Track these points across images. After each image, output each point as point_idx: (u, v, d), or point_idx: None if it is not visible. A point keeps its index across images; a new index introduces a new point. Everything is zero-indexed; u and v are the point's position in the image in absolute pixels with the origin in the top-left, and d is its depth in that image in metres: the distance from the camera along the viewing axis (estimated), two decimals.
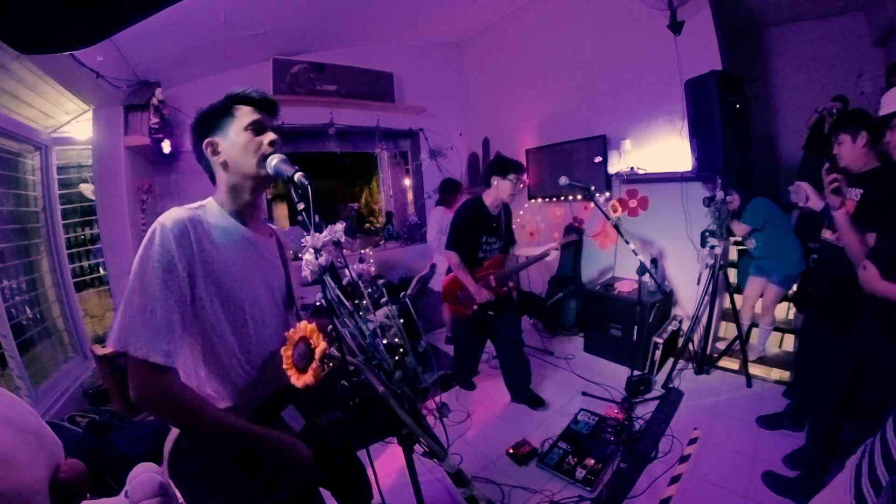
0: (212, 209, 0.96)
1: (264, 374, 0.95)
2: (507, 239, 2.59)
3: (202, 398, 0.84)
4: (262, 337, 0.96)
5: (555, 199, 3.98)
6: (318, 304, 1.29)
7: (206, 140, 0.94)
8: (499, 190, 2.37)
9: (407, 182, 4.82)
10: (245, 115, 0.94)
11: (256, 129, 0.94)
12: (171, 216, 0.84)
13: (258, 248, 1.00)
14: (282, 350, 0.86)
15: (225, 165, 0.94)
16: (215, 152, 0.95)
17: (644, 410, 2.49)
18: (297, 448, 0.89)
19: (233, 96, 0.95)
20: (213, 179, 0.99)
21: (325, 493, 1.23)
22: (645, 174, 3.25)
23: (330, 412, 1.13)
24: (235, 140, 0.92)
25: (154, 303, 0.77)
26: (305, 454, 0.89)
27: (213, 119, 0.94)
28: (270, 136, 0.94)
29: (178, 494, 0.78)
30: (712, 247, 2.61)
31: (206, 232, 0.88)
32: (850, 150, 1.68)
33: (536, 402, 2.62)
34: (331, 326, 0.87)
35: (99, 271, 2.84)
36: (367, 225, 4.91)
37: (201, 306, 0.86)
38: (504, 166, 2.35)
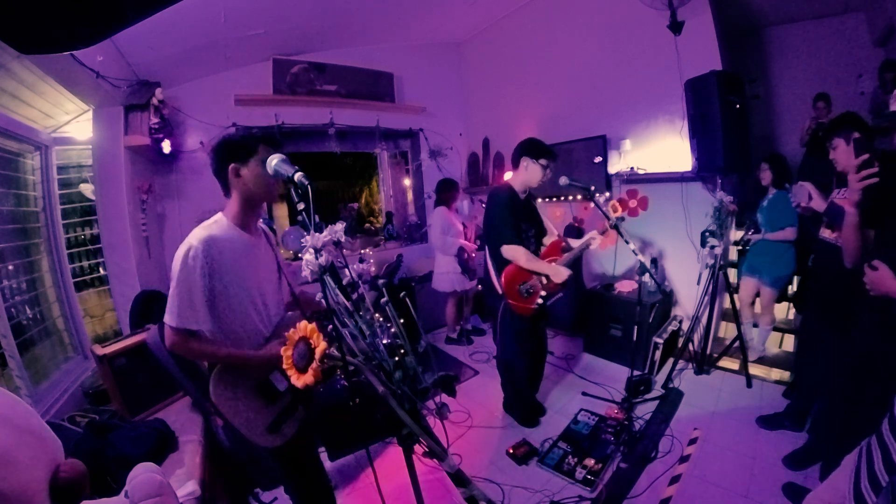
0: (221, 224, 1.26)
1: (274, 333, 1.32)
2: (540, 228, 2.41)
3: (214, 344, 1.21)
4: (270, 308, 1.35)
5: (555, 199, 3.97)
6: (319, 301, 1.41)
7: (231, 165, 1.23)
8: (528, 172, 2.22)
9: (407, 182, 4.82)
10: (263, 151, 1.22)
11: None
12: (198, 237, 1.18)
13: (255, 249, 1.33)
14: (282, 350, 0.86)
15: (244, 185, 1.24)
16: (237, 175, 1.23)
17: (644, 410, 2.49)
18: (271, 357, 1.20)
19: (258, 138, 1.26)
20: (226, 192, 1.27)
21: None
22: (645, 174, 3.25)
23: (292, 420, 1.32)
24: (255, 169, 1.23)
25: (192, 294, 1.15)
26: (275, 352, 1.15)
27: (237, 150, 1.24)
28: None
29: (177, 494, 0.78)
30: (712, 247, 2.61)
31: (219, 247, 1.20)
32: (846, 153, 1.68)
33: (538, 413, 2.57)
34: (331, 326, 0.87)
35: (99, 271, 2.83)
36: (367, 225, 4.91)
37: (223, 295, 1.21)
38: (538, 149, 2.22)
